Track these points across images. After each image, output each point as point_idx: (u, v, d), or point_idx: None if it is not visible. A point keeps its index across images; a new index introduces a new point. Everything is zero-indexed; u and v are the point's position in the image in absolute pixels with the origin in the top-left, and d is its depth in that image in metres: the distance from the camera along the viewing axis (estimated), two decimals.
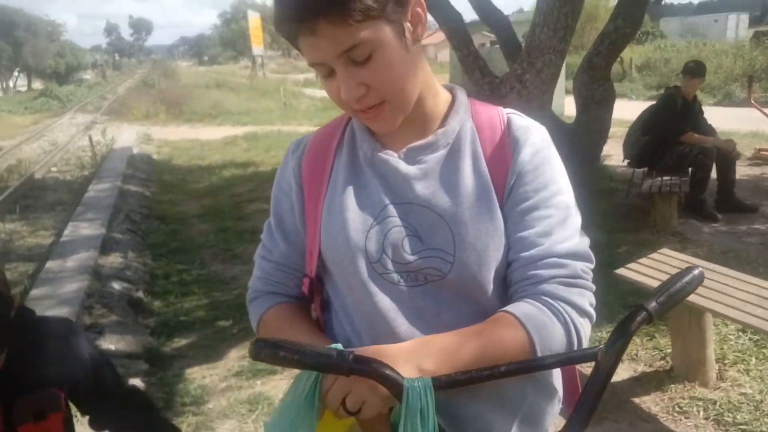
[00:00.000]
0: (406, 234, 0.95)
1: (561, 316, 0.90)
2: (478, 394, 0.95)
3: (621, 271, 3.03)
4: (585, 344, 0.93)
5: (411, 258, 0.95)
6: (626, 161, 6.05)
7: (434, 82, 1.00)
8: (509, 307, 0.91)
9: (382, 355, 0.83)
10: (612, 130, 6.62)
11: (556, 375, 1.07)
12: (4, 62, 49.47)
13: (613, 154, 7.47)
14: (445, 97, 1.03)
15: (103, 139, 12.86)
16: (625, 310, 3.65)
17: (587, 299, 0.94)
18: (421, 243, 0.95)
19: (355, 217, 0.97)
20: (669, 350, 3.11)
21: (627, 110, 6.91)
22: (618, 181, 6.80)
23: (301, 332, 0.99)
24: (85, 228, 5.78)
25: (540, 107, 4.82)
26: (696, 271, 0.93)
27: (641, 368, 3.10)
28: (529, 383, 0.99)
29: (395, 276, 0.95)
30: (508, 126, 1.00)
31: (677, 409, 2.72)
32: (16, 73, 53.77)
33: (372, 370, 0.80)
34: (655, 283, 2.82)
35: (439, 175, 0.97)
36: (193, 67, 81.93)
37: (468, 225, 0.94)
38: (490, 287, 0.96)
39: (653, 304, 0.88)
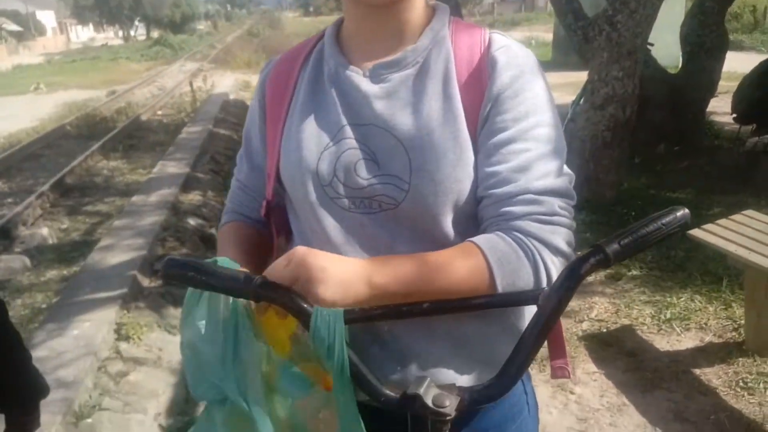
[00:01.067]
0: (361, 157, 0.88)
1: (530, 253, 0.81)
2: (434, 331, 0.88)
3: (695, 232, 2.74)
4: None
5: (363, 182, 0.87)
6: (733, 115, 5.47)
7: None
8: (475, 237, 0.83)
9: (333, 262, 0.77)
10: (722, 84, 6.00)
11: (524, 320, 0.97)
12: (125, 12, 52.64)
13: (721, 111, 6.78)
14: (426, 12, 0.93)
15: (204, 86, 13.44)
16: (705, 277, 3.37)
17: (563, 237, 0.84)
18: (377, 167, 0.87)
19: (309, 137, 0.91)
20: (743, 321, 2.82)
21: (748, 64, 6.15)
22: (723, 139, 6.18)
23: (234, 250, 0.95)
24: (172, 167, 6.10)
25: (629, 53, 4.41)
26: (679, 213, 0.77)
27: (709, 338, 2.85)
28: (493, 326, 0.91)
29: (346, 201, 0.89)
30: (489, 46, 0.89)
31: (741, 384, 2.47)
32: (136, 23, 57.13)
33: (279, 296, 0.75)
34: (733, 248, 2.53)
35: (402, 96, 0.88)
36: (299, 17, 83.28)
37: (427, 151, 0.85)
38: (448, 222, 0.87)
39: (614, 245, 0.75)
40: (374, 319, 0.77)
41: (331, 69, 0.93)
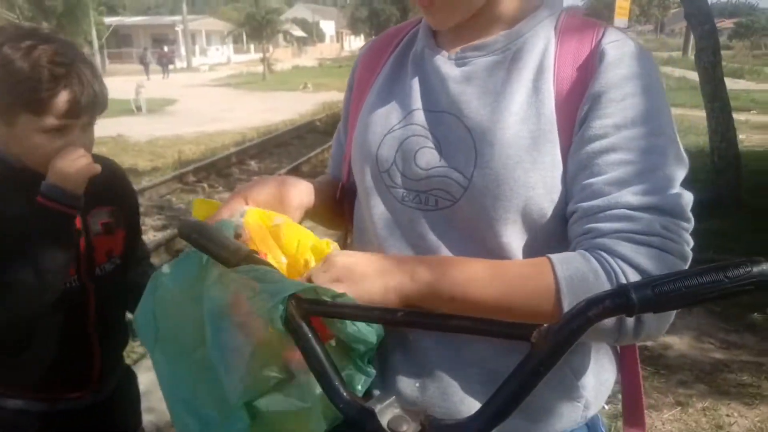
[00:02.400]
0: (424, 145, 0.81)
1: (613, 276, 0.68)
2: (462, 356, 0.80)
3: None
4: None
5: (421, 173, 0.81)
6: None
7: None
8: (552, 254, 0.72)
9: (360, 258, 0.75)
10: None
11: (583, 370, 0.82)
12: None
13: None
14: (533, 1, 0.84)
15: None
16: None
17: (665, 264, 0.68)
18: (440, 158, 0.80)
19: (377, 119, 0.88)
20: None
21: None
22: None
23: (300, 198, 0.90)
24: None
25: None
26: (755, 268, 0.57)
27: None
28: None
29: (401, 192, 0.83)
30: (601, 38, 0.77)
31: None
32: None
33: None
34: None
35: (483, 83, 0.81)
36: None
37: (497, 147, 0.76)
38: (507, 232, 0.77)
39: (646, 291, 0.58)
40: (329, 314, 0.70)
41: (418, 51, 0.89)
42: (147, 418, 1.74)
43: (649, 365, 2.90)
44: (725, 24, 62.41)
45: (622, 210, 0.69)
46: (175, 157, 8.82)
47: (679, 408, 2.59)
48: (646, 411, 0.87)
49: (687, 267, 0.69)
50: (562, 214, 0.77)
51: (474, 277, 0.72)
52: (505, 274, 0.73)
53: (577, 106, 0.75)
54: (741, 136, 6.98)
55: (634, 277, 0.68)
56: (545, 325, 0.62)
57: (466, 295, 0.71)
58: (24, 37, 1.04)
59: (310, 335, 0.67)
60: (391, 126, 0.85)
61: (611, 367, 0.87)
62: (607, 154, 0.72)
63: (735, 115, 5.76)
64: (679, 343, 3.13)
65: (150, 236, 5.23)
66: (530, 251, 0.77)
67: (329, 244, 0.80)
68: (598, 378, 0.84)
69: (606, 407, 0.88)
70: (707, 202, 5.37)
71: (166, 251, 4.75)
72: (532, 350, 0.61)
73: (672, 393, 2.70)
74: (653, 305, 0.58)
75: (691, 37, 5.98)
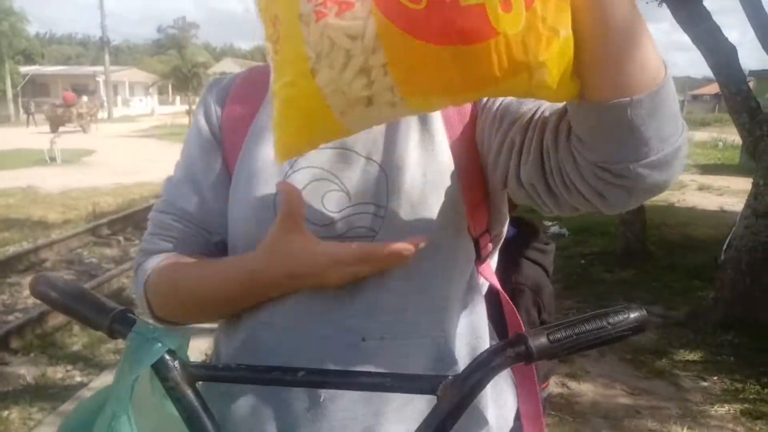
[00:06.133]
0: (330, 189, 0.78)
1: None
2: (378, 405, 0.75)
3: None
4: None
5: (334, 216, 0.77)
6: None
7: None
8: None
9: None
10: None
11: (492, 404, 0.82)
12: None
13: None
14: None
15: None
16: None
17: None
18: (348, 198, 0.77)
19: (264, 166, 0.80)
20: None
21: None
22: None
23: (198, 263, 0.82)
24: None
25: None
26: (633, 314, 0.61)
27: None
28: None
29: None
30: None
31: None
32: None
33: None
34: None
35: None
36: None
37: (404, 172, 0.77)
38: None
39: (541, 339, 0.61)
40: (232, 380, 0.67)
41: None
42: None
43: (561, 412, 2.95)
44: None
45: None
46: (89, 210, 8.42)
47: None
48: None
49: None
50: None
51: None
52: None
53: (465, 119, 0.81)
54: None
55: None
56: (450, 377, 0.62)
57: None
58: None
59: (196, 404, 0.63)
60: (285, 171, 0.79)
61: (510, 389, 0.88)
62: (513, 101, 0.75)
63: None
64: (591, 391, 3.21)
65: None
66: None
67: None
68: (497, 402, 0.84)
69: None
70: (618, 253, 5.69)
71: None
72: (438, 402, 0.61)
73: None
74: (549, 352, 0.60)
75: None
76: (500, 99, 0.77)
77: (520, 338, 0.60)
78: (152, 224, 0.86)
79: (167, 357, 0.64)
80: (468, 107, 0.81)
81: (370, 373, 0.67)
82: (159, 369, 0.64)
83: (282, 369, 0.67)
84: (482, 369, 0.61)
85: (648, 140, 0.59)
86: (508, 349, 0.60)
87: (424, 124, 0.81)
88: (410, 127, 0.80)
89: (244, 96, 0.87)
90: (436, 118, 0.81)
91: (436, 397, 0.62)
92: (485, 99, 0.79)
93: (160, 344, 0.64)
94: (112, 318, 0.67)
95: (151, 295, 0.82)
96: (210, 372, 0.66)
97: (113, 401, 0.63)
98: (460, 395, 0.60)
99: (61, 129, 23.52)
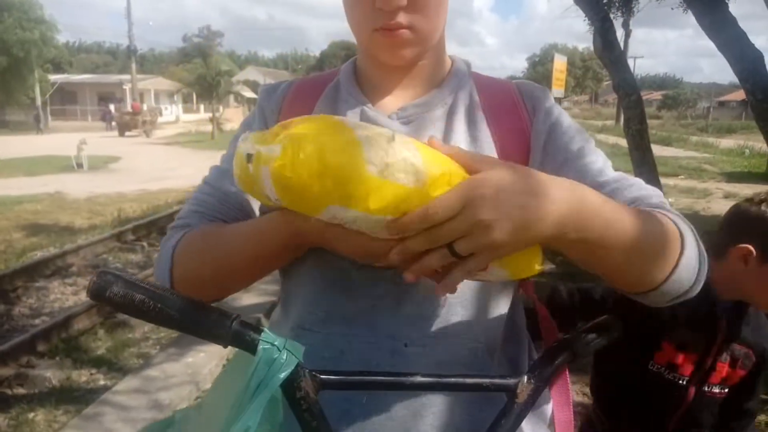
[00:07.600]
0: None
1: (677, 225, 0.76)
2: (420, 411, 0.79)
3: None
4: None
5: None
6: None
7: (445, 44, 0.92)
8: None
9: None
10: None
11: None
12: None
13: None
14: (447, 62, 0.93)
15: None
16: None
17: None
18: None
19: None
20: None
21: None
22: None
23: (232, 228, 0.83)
24: None
25: None
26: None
27: None
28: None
29: None
30: (519, 88, 0.92)
31: None
32: None
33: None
34: None
35: (430, 135, 0.82)
36: None
37: None
38: None
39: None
40: (352, 387, 0.68)
41: (352, 109, 0.88)
42: None
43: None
44: (654, 96, 66.86)
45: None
46: (114, 215, 8.58)
47: None
48: None
49: None
50: None
51: (618, 218, 0.68)
52: (650, 218, 0.72)
53: (521, 141, 0.85)
54: (670, 200, 7.35)
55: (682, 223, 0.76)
56: (525, 376, 0.69)
57: (625, 233, 0.68)
58: None
59: (323, 414, 0.61)
60: None
61: (544, 395, 0.90)
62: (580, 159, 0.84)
63: (664, 180, 6.10)
64: None
65: (82, 297, 5.00)
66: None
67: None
68: (533, 410, 0.85)
69: None
70: None
71: (98, 314, 4.54)
72: (511, 401, 0.67)
73: None
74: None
75: None
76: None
77: (575, 337, 0.68)
78: (193, 202, 0.90)
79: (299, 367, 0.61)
80: (523, 142, 0.86)
81: (450, 375, 0.71)
82: (293, 379, 0.60)
83: (401, 374, 0.69)
84: (548, 367, 0.67)
85: (666, 294, 0.74)
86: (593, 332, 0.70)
87: (474, 140, 0.85)
88: (460, 142, 0.83)
89: (298, 103, 0.92)
90: (482, 126, 0.86)
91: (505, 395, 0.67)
92: (559, 150, 0.85)
93: (293, 355, 0.59)
94: (234, 329, 0.61)
95: (180, 253, 0.82)
96: (340, 378, 0.65)
97: (249, 417, 0.56)
98: (536, 392, 0.66)
99: (127, 133, 28.23)
